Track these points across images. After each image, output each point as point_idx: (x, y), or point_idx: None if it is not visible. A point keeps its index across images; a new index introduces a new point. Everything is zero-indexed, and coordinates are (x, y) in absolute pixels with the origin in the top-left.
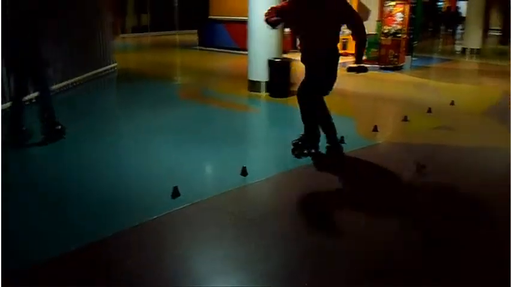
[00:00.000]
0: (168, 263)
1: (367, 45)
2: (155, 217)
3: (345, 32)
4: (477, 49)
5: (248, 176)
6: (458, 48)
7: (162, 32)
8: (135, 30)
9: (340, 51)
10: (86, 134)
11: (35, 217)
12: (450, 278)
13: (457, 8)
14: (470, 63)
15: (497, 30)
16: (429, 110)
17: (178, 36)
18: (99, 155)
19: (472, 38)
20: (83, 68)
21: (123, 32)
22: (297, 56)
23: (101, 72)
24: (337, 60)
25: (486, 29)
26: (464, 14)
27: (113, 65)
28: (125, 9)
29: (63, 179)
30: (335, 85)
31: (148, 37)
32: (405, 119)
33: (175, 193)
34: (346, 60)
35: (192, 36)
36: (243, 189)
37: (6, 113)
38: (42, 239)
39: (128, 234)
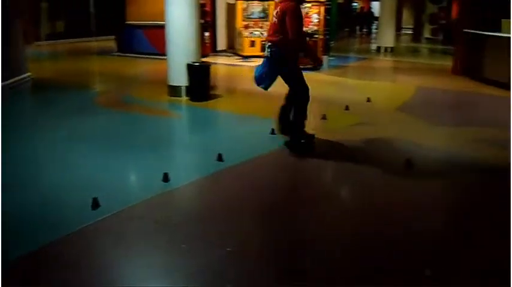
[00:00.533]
0: (89, 277)
1: None
2: (75, 230)
3: (264, 34)
4: (391, 47)
5: (170, 181)
6: (373, 47)
7: (79, 39)
8: (50, 37)
9: (260, 53)
10: None
11: None
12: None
13: (370, 8)
14: (385, 61)
15: (409, 28)
16: (347, 108)
17: (95, 43)
18: (11, 169)
19: (386, 36)
20: None
21: (37, 39)
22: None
23: (14, 82)
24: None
25: (399, 28)
26: (377, 14)
27: (26, 75)
28: (39, 15)
29: None
30: (254, 87)
31: (64, 44)
32: (324, 117)
33: (95, 204)
34: None
35: (109, 42)
36: (165, 195)
37: None
38: None
39: (46, 250)
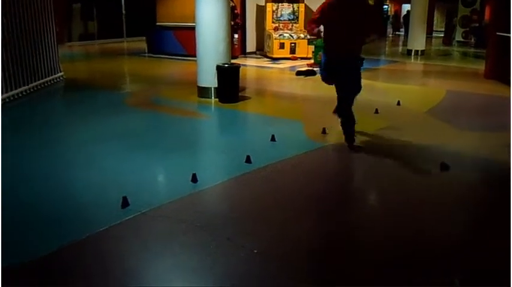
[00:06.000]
0: (118, 275)
1: (314, 50)
2: (104, 228)
3: (293, 36)
4: (422, 50)
5: (198, 182)
6: (404, 50)
7: (110, 40)
8: (82, 38)
9: (289, 55)
10: (32, 145)
11: None
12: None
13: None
14: (415, 65)
15: (440, 31)
16: (376, 111)
17: (126, 44)
18: (45, 166)
19: (417, 40)
20: (29, 78)
21: (70, 40)
22: (247, 61)
23: (47, 82)
24: None
25: (430, 31)
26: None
27: (59, 75)
28: (71, 16)
29: (6, 192)
30: (283, 89)
31: (95, 45)
32: None
33: (125, 203)
34: (295, 64)
35: (140, 43)
36: (194, 196)
37: None
38: None
39: (76, 247)
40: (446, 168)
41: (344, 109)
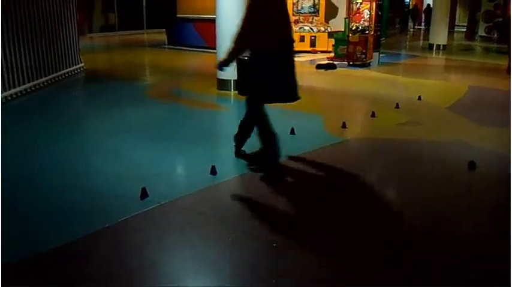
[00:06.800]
0: (136, 265)
1: (334, 43)
2: (123, 218)
3: (314, 29)
4: (443, 45)
5: (217, 175)
6: (425, 44)
7: (130, 31)
8: (102, 29)
9: (309, 49)
10: (52, 135)
11: None
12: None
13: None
14: (437, 59)
15: (462, 26)
16: (397, 106)
17: (146, 35)
18: (64, 156)
19: (439, 34)
20: (50, 69)
21: (90, 31)
22: None
23: (68, 72)
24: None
25: (452, 25)
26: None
27: (80, 65)
28: (92, 8)
29: (27, 181)
30: (303, 82)
31: (116, 36)
32: (373, 115)
33: (144, 194)
34: (315, 58)
35: (160, 35)
36: (213, 188)
37: None
38: (6, 243)
39: (94, 237)
40: (473, 167)
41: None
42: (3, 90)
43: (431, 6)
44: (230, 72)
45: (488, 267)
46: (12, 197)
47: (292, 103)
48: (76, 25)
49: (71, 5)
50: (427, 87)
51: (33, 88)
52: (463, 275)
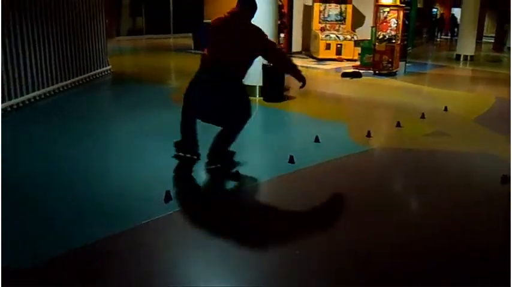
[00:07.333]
0: (161, 269)
1: (360, 52)
2: (145, 221)
3: (340, 37)
4: (471, 56)
5: (241, 180)
6: (452, 54)
7: (157, 35)
8: (130, 33)
9: (335, 56)
10: (78, 137)
11: (25, 220)
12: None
13: (453, 14)
14: (464, 70)
15: (491, 37)
16: (422, 116)
17: (172, 40)
18: (90, 159)
19: (466, 44)
20: (79, 70)
21: (118, 34)
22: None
23: (96, 74)
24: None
25: (480, 36)
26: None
27: (107, 68)
28: (120, 11)
29: (53, 183)
30: (328, 90)
31: (143, 40)
32: (398, 124)
33: (168, 197)
34: (340, 66)
35: (186, 39)
36: (236, 193)
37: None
38: (31, 243)
39: (115, 238)
40: (506, 181)
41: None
42: (33, 90)
43: (456, 16)
44: (256, 79)
45: None
46: (35, 196)
47: (318, 112)
48: (105, 28)
49: (101, 9)
50: (453, 98)
51: (61, 89)
52: None
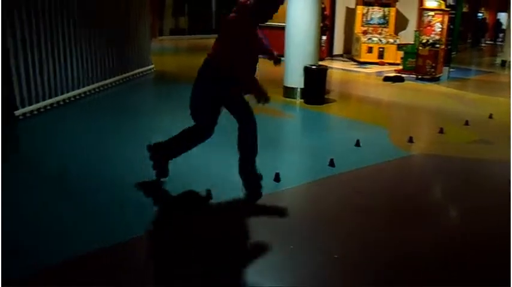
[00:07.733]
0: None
1: (403, 56)
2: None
3: (382, 41)
4: None
5: (281, 182)
6: (497, 60)
7: (199, 36)
8: (172, 32)
9: (377, 60)
10: (119, 133)
11: (51, 215)
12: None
13: (498, 19)
14: (510, 77)
15: None
16: (466, 123)
17: (214, 40)
18: (128, 156)
19: None
20: (122, 69)
21: (161, 34)
22: (333, 64)
23: (140, 73)
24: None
25: None
26: (504, 26)
27: (150, 67)
28: (164, 11)
29: (92, 178)
30: (369, 94)
31: (185, 40)
32: (441, 131)
33: (208, 196)
34: (382, 70)
35: None
36: (276, 195)
37: None
38: (53, 241)
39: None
40: None
41: None
42: (77, 87)
43: (502, 21)
44: (297, 81)
45: None
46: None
47: (359, 115)
48: (149, 28)
49: (146, 9)
50: (498, 105)
51: (106, 87)
52: None
